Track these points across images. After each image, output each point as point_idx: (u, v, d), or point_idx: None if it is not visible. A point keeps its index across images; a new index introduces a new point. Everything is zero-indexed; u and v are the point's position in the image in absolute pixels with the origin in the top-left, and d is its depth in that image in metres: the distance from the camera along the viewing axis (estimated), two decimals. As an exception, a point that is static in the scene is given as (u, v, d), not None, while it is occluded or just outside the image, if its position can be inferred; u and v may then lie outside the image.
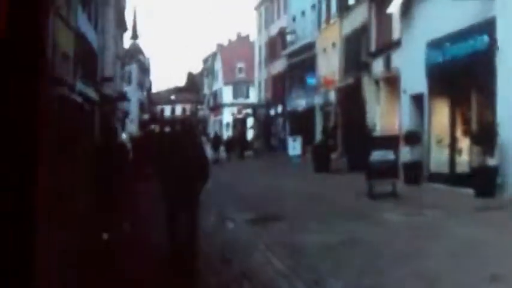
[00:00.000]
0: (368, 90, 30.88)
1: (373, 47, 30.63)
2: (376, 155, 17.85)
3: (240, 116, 79.52)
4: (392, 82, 27.12)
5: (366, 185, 17.79)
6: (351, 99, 33.49)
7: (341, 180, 24.19)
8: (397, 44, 25.57)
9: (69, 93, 28.93)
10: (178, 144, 9.56)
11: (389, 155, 17.92)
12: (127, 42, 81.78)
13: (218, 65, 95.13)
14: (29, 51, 3.67)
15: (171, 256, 9.09)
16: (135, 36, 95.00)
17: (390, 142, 18.88)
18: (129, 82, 78.55)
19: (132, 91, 73.88)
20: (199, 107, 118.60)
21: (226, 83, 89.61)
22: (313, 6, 44.67)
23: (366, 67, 30.99)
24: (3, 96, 3.38)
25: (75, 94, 31.75)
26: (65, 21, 29.61)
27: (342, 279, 8.46)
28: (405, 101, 23.81)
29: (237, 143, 51.86)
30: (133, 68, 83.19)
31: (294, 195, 19.16)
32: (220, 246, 11.02)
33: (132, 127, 70.09)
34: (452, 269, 8.64)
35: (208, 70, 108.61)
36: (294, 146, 36.58)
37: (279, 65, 54.54)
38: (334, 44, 39.64)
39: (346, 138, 30.58)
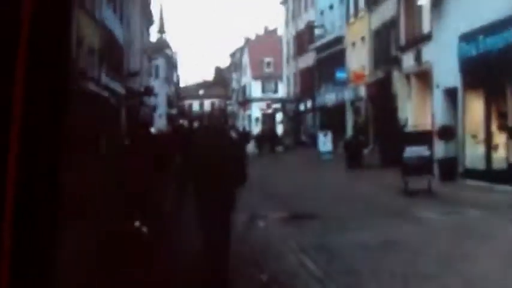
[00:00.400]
0: (399, 85, 30.41)
1: (402, 41, 30.19)
2: (411, 151, 17.37)
3: (269, 111, 79.09)
4: (423, 76, 26.71)
5: (400, 181, 17.31)
6: (382, 94, 32.99)
7: (374, 176, 23.63)
8: (427, 37, 25.12)
9: (94, 88, 28.74)
10: (214, 142, 8.06)
11: (424, 151, 17.45)
12: (154, 36, 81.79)
13: (246, 60, 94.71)
14: (53, 45, 3.42)
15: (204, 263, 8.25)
16: (162, 30, 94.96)
17: (424, 138, 18.37)
18: (157, 76, 78.35)
19: (159, 86, 73.68)
20: (228, 101, 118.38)
21: (254, 78, 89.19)
22: (341, 0, 44.14)
23: (396, 61, 30.54)
24: (29, 91, 3.15)
25: (101, 88, 31.57)
26: (89, 14, 29.43)
27: (384, 286, 7.99)
28: (438, 95, 23.29)
29: (268, 138, 51.29)
30: (161, 62, 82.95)
31: (327, 192, 18.69)
32: (251, 247, 10.59)
33: (160, 122, 69.89)
34: (504, 274, 8.12)
35: (236, 65, 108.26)
36: (325, 142, 35.97)
37: (308, 59, 53.96)
38: (363, 38, 39.18)
39: (378, 134, 30.05)
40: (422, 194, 16.53)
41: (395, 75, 30.89)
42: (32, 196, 2.99)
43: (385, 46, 33.33)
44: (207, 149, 7.90)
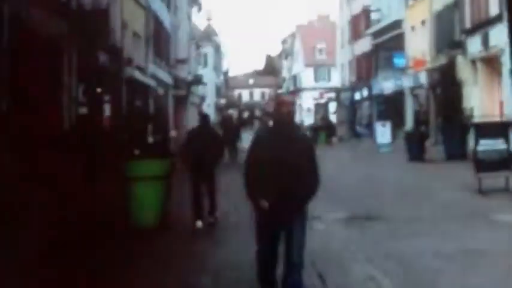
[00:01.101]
0: (463, 71, 29.08)
1: (467, 24, 28.94)
2: (484, 145, 15.89)
3: (321, 101, 77.74)
4: (491, 62, 25.61)
5: (469, 177, 15.95)
6: (445, 82, 31.58)
7: (439, 171, 22.22)
8: (496, 19, 23.82)
9: (140, 76, 28.05)
10: (287, 146, 6.28)
11: (500, 145, 15.94)
12: (202, 24, 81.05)
13: (297, 47, 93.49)
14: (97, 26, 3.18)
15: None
16: (210, 17, 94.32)
17: (500, 129, 16.72)
18: (205, 65, 77.59)
19: (207, 74, 72.89)
20: (278, 91, 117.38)
21: (306, 65, 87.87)
22: (399, -19, 42.62)
23: (461, 46, 29.56)
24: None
25: (147, 76, 30.89)
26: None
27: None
28: (508, 82, 21.86)
29: (324, 128, 49.79)
30: (209, 50, 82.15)
31: (390, 188, 17.33)
32: (309, 254, 9.40)
33: (208, 112, 69.23)
34: None
35: (287, 52, 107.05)
36: (383, 133, 34.45)
37: (363, 45, 52.59)
38: (423, 22, 37.90)
39: (442, 125, 28.66)
40: (499, 193, 15.10)
41: (460, 60, 29.59)
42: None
43: (449, 29, 32.05)
44: (277, 151, 6.25)
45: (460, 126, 24.38)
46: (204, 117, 13.48)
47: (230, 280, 8.27)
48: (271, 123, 7.23)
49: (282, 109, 6.39)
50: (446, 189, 16.61)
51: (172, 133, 33.09)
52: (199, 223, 12.07)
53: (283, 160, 6.19)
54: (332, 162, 26.00)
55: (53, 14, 14.71)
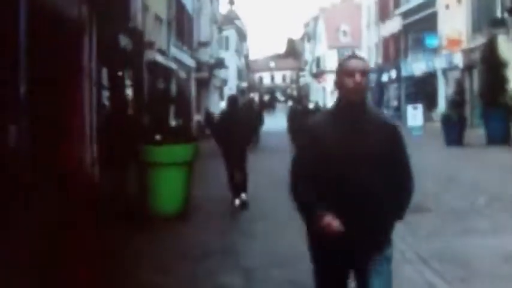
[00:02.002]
0: (506, 51, 27.93)
1: (510, 1, 27.86)
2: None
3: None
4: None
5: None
6: (485, 62, 30.47)
7: (482, 156, 21.18)
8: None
9: (161, 59, 27.47)
10: (362, 137, 4.08)
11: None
12: (224, 7, 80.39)
13: (321, 29, 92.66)
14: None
15: None
16: (232, 1, 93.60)
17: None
18: (227, 48, 76.91)
19: (229, 58, 72.17)
20: (300, 73, 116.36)
21: (330, 48, 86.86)
22: (431, -45, 41.61)
23: (503, 24, 28.45)
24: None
25: (169, 60, 30.29)
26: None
27: None
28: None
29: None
30: (231, 34, 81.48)
31: (432, 176, 16.18)
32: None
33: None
34: None
35: (309, 34, 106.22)
36: (415, 116, 33.44)
37: (392, 26, 51.61)
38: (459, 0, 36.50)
39: (483, 108, 27.71)
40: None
41: (502, 39, 28.46)
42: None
43: (488, 7, 31.19)
44: (348, 145, 4.06)
45: (503, 109, 23.57)
46: (232, 100, 13.89)
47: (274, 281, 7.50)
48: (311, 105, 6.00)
49: (348, 82, 4.04)
50: (494, 178, 15.67)
51: (198, 117, 32.46)
52: (236, 201, 12.77)
53: (357, 158, 4.03)
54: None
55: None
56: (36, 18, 11.44)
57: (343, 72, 4.10)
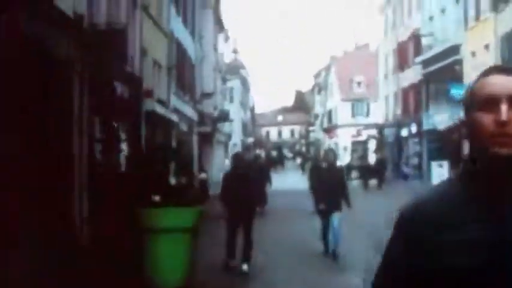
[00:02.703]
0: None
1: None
2: None
3: (359, 138, 76.03)
4: None
5: None
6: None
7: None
8: None
9: (161, 110, 26.71)
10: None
11: None
12: (228, 56, 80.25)
13: (332, 79, 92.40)
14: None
15: None
16: (236, 50, 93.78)
17: None
18: (231, 100, 76.56)
19: (234, 110, 71.75)
20: (310, 128, 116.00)
21: (342, 100, 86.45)
22: (456, 1, 41.29)
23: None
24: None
25: (170, 111, 29.54)
26: (155, 23, 27.40)
27: None
28: None
29: (375, 170, 46.73)
30: (236, 84, 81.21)
31: None
32: None
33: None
34: None
35: (320, 86, 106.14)
36: (440, 174, 32.53)
37: (412, 75, 51.08)
38: (487, 46, 36.51)
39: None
40: None
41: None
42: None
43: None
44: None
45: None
46: (237, 158, 14.02)
47: None
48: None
49: (486, 119, 1.97)
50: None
51: (203, 175, 31.52)
52: (232, 262, 12.83)
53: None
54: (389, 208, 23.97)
55: (61, 31, 13.14)
56: (16, 52, 10.62)
57: (475, 101, 2.05)
